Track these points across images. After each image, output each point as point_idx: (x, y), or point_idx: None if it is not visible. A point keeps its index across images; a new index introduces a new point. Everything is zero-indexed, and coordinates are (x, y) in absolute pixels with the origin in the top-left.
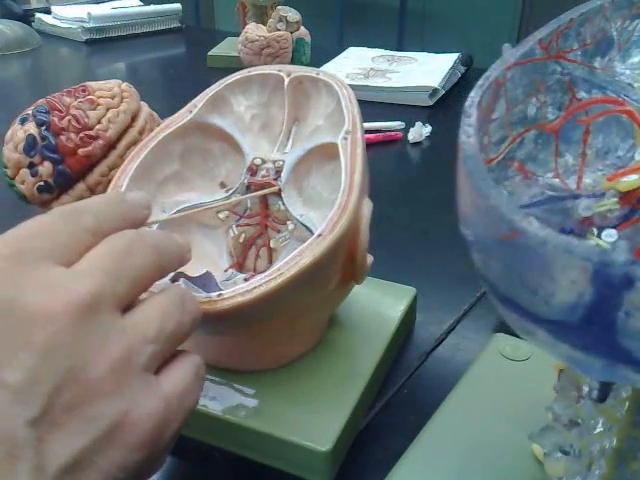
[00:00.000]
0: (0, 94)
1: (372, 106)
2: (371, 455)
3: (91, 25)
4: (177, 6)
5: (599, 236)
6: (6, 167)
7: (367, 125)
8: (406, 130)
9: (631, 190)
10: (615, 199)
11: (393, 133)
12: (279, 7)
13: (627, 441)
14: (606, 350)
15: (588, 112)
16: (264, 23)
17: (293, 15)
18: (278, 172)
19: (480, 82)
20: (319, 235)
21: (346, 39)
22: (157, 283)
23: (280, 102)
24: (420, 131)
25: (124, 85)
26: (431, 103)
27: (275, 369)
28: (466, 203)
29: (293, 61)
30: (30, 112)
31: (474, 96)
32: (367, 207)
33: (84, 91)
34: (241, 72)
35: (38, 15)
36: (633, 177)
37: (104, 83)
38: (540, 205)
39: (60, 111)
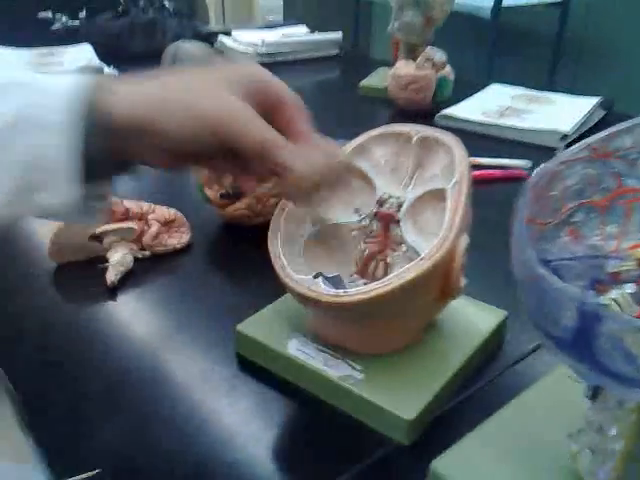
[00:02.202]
0: None
1: (503, 143)
2: (445, 432)
3: (264, 50)
4: (338, 35)
5: (622, 287)
6: (199, 176)
7: (493, 161)
8: (533, 169)
9: None
10: (633, 262)
11: (517, 171)
12: (428, 48)
13: (636, 446)
14: (589, 362)
15: (632, 195)
16: (414, 59)
17: (440, 57)
18: (399, 206)
19: (537, 170)
20: (422, 258)
21: (498, 68)
22: None
23: (408, 152)
24: None
25: None
26: (562, 145)
27: (381, 355)
28: (514, 253)
29: (435, 96)
30: None
31: (530, 181)
32: (463, 242)
33: None
34: (379, 128)
35: (221, 37)
36: None
37: None
38: (580, 260)
39: None
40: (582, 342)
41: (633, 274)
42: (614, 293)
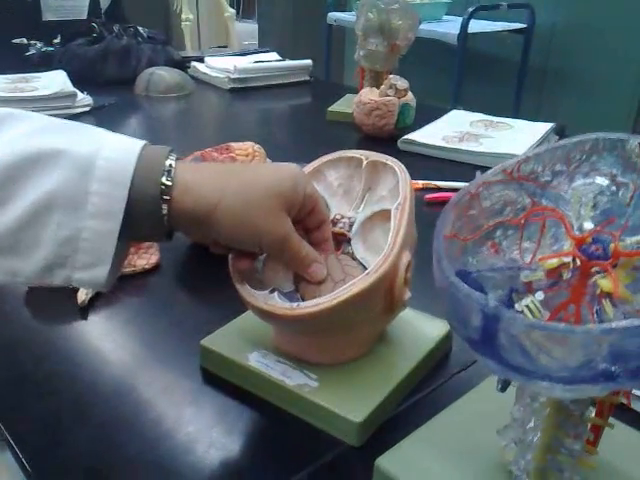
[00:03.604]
0: (161, 130)
1: (462, 166)
2: (393, 434)
3: (236, 76)
4: (308, 62)
5: (534, 295)
6: None
7: (450, 184)
8: None
9: (553, 268)
10: (542, 273)
11: None
12: (391, 76)
13: (553, 438)
14: (495, 357)
15: (543, 214)
16: (378, 86)
17: (402, 83)
18: (350, 225)
19: (455, 196)
20: (367, 273)
21: (464, 92)
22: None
23: (359, 176)
24: None
25: (256, 147)
26: None
27: (334, 365)
28: (434, 264)
29: (397, 122)
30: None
31: (452, 201)
32: (405, 258)
33: (227, 149)
34: (333, 154)
35: (194, 63)
36: (554, 260)
37: (242, 144)
38: (498, 271)
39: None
40: (487, 340)
41: (542, 283)
42: (527, 300)
